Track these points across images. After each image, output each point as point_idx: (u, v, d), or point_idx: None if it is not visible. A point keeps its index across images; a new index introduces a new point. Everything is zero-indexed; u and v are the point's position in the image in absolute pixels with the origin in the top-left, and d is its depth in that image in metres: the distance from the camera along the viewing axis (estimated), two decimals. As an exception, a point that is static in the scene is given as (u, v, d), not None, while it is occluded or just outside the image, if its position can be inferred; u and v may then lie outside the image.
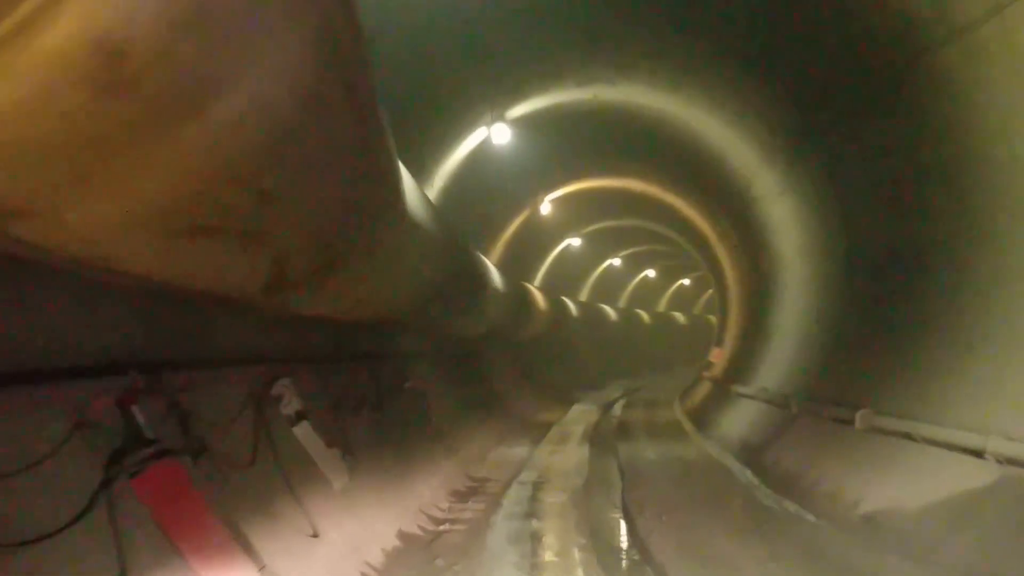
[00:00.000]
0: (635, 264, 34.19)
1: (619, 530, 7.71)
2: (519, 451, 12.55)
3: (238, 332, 5.72)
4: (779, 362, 11.83)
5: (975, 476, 5.22)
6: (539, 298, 17.68)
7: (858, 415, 7.26)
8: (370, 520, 6.60)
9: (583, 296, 29.91)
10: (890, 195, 7.75)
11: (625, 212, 22.16)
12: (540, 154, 15.07)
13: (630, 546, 6.99)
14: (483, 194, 15.12)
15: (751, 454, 10.21)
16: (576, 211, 20.58)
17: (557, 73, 11.75)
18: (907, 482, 6.10)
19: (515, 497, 9.06)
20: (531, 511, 8.37)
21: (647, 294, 39.98)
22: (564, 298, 22.25)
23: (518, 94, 12.10)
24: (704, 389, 17.70)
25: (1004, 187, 5.74)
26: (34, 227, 2.25)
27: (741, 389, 13.05)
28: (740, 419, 12.33)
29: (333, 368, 7.56)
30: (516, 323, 15.91)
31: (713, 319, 31.62)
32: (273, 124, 2.55)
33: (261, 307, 4.61)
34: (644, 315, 35.90)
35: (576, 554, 6.82)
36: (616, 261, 31.52)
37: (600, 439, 14.07)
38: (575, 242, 24.20)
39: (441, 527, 7.54)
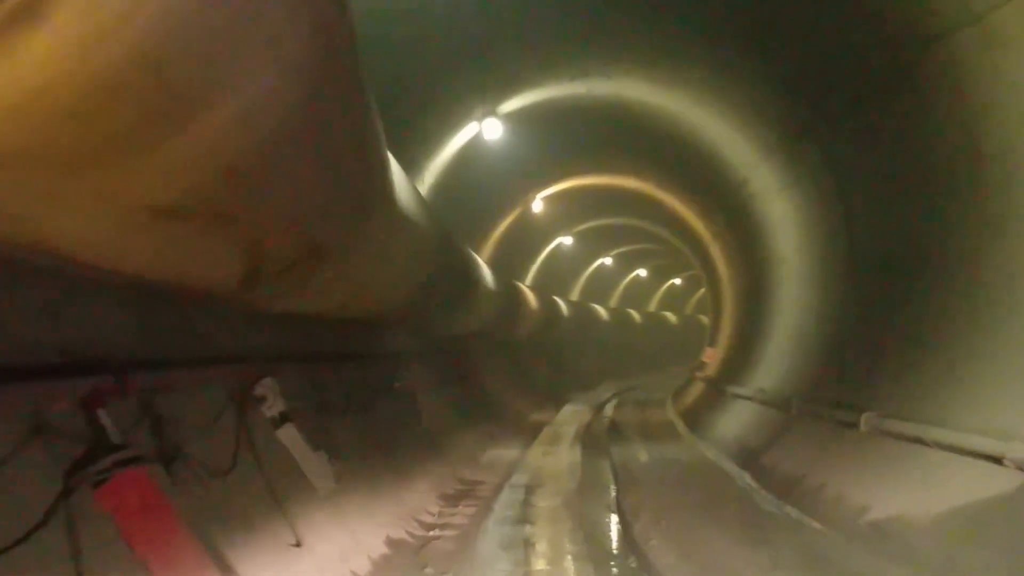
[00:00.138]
0: (626, 263, 34.08)
1: (615, 536, 7.44)
2: (510, 452, 12.30)
3: (219, 329, 5.43)
4: (777, 362, 11.58)
5: (993, 484, 4.97)
6: (530, 297, 17.51)
7: (863, 418, 7.00)
8: (357, 527, 6.32)
9: (574, 295, 29.78)
10: (899, 189, 7.50)
11: (617, 210, 21.98)
12: (532, 150, 14.84)
13: (627, 553, 6.72)
14: (474, 191, 14.87)
15: (749, 457, 9.95)
16: (568, 209, 20.38)
17: (551, 66, 11.47)
18: (918, 489, 5.84)
19: (507, 501, 8.80)
20: (523, 516, 8.10)
21: (638, 293, 39.85)
22: (555, 297, 22.10)
23: (510, 88, 11.82)
24: (697, 390, 17.47)
25: (1022, 180, 5.50)
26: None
27: (736, 390, 12.80)
28: (736, 420, 12.08)
29: (320, 367, 7.27)
30: (507, 322, 15.72)
31: (704, 319, 31.53)
32: (268, 120, 2.52)
33: (241, 301, 4.32)
34: (635, 315, 35.76)
35: (571, 562, 6.56)
36: (607, 260, 31.43)
37: (592, 440, 13.83)
38: (566, 241, 24.07)
39: (431, 533, 7.27)
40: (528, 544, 7.03)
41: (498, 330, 15.99)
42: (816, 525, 6.73)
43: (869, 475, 6.70)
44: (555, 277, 25.68)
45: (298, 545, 5.10)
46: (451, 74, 10.54)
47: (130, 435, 3.76)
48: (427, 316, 9.70)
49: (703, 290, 28.63)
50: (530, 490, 9.41)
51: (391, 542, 6.54)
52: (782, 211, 11.32)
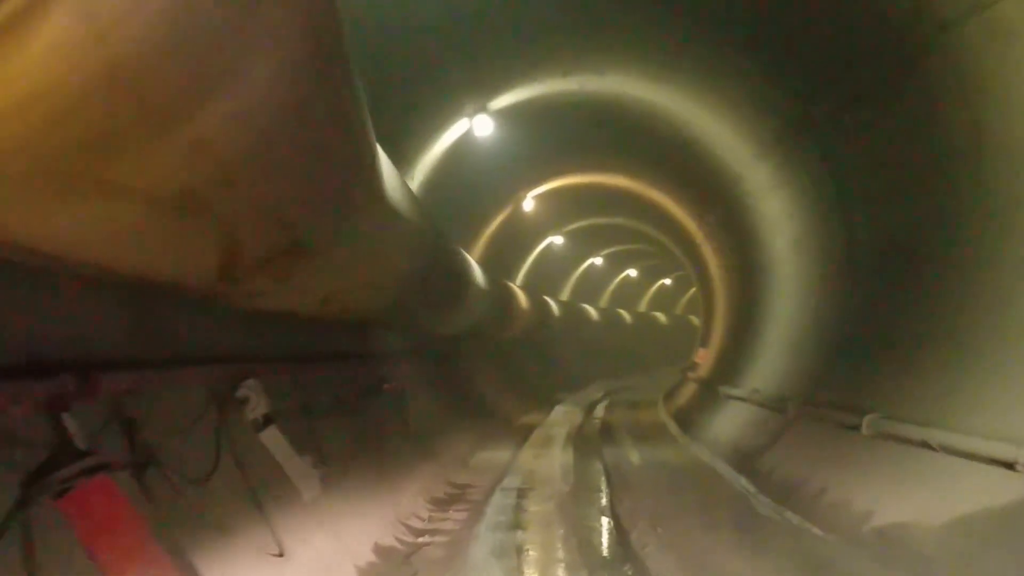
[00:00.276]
0: (617, 263, 33.95)
1: (611, 543, 7.23)
2: (502, 455, 12.06)
3: (198, 328, 5.17)
4: (772, 363, 11.39)
5: (1006, 490, 4.77)
6: (521, 297, 17.33)
7: (865, 420, 6.79)
8: (343, 533, 6.08)
9: (564, 295, 29.62)
10: (899, 185, 7.31)
11: (609, 210, 21.80)
12: (523, 148, 14.63)
13: (623, 560, 6.51)
14: (465, 189, 14.63)
15: (744, 459, 9.74)
16: (559, 208, 20.19)
17: (543, 61, 11.25)
18: (925, 494, 5.64)
19: (499, 505, 8.57)
20: (516, 521, 7.88)
21: (628, 294, 39.72)
22: (546, 297, 21.92)
23: (502, 84, 11.59)
24: (689, 390, 17.29)
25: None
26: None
27: (730, 391, 12.60)
28: (730, 422, 11.88)
29: (305, 368, 7.02)
30: (498, 322, 15.51)
31: (695, 319, 31.38)
32: (261, 118, 2.53)
33: (221, 297, 4.08)
34: (626, 315, 35.63)
35: (565, 571, 6.34)
36: (598, 260, 31.28)
37: (584, 442, 13.61)
38: (557, 240, 23.90)
39: (421, 539, 7.04)
40: (521, 551, 6.80)
41: (489, 330, 15.79)
42: (818, 531, 6.51)
43: (872, 480, 6.49)
44: (545, 277, 25.50)
45: (281, 555, 4.86)
46: (442, 69, 10.29)
47: (99, 440, 3.52)
48: (417, 315, 9.48)
49: (693, 290, 28.51)
50: (522, 494, 9.19)
51: (379, 549, 6.30)
52: (778, 209, 11.14)
